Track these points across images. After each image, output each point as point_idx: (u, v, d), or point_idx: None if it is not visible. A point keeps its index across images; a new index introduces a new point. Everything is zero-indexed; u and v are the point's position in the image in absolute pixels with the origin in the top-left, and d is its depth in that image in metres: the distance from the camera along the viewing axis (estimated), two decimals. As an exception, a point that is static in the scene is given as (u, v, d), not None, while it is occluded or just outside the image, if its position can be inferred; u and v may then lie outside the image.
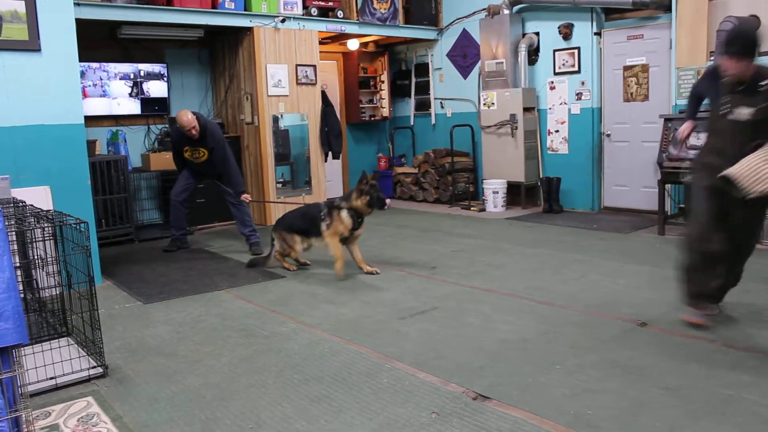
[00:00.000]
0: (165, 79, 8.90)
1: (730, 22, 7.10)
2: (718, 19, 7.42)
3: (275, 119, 8.97)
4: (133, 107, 8.71)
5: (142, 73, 8.71)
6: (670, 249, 6.67)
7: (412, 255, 6.66)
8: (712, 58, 7.35)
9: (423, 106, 11.54)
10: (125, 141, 8.47)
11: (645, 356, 3.73)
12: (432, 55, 11.26)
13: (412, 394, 3.32)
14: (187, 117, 6.72)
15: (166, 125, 8.97)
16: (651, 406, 3.09)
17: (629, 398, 3.19)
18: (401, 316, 4.62)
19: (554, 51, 9.41)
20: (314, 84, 9.30)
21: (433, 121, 11.34)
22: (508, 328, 4.31)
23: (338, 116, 10.35)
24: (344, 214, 5.78)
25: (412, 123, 11.77)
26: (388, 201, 5.89)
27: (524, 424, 2.94)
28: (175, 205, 7.25)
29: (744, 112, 3.95)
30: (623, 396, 3.21)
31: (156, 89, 8.85)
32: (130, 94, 8.64)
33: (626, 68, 8.77)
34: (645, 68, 8.60)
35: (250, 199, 7.31)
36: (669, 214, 7.65)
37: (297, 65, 9.04)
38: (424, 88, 11.51)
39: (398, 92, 11.94)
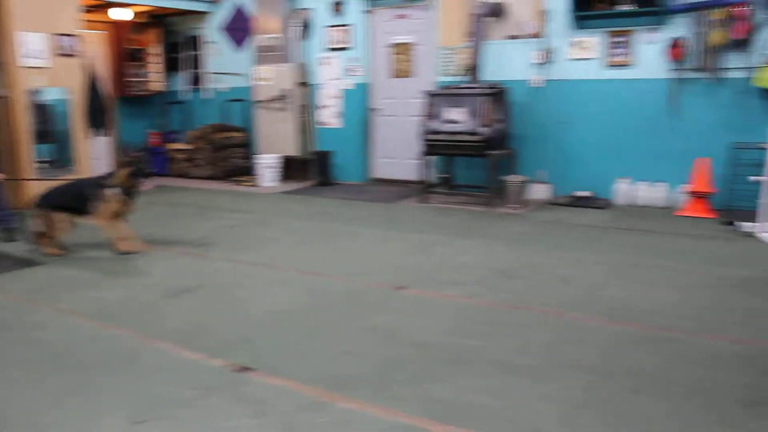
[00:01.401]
0: None
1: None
2: (474, 3, 7.99)
3: (33, 92, 8.24)
4: None
5: None
6: (431, 216, 7.17)
7: (183, 233, 6.52)
8: (471, 39, 7.90)
9: (197, 80, 11.23)
10: None
11: (401, 318, 3.99)
12: (205, 28, 10.96)
13: (175, 372, 3.28)
14: None
15: None
16: (403, 363, 3.33)
17: (384, 357, 3.40)
18: (167, 296, 4.52)
19: (326, 27, 9.58)
20: (77, 55, 8.66)
21: (208, 96, 11.09)
22: (275, 300, 4.39)
23: (106, 90, 9.74)
24: (112, 191, 5.50)
25: (186, 98, 11.41)
26: (149, 172, 5.67)
27: (285, 390, 3.04)
28: None
29: None
30: (379, 356, 3.43)
31: None
32: None
33: (394, 45, 9.17)
34: (411, 46, 9.04)
35: (4, 177, 6.69)
36: (431, 183, 8.18)
37: (56, 34, 8.35)
38: (198, 62, 11.19)
39: (172, 66, 11.49)
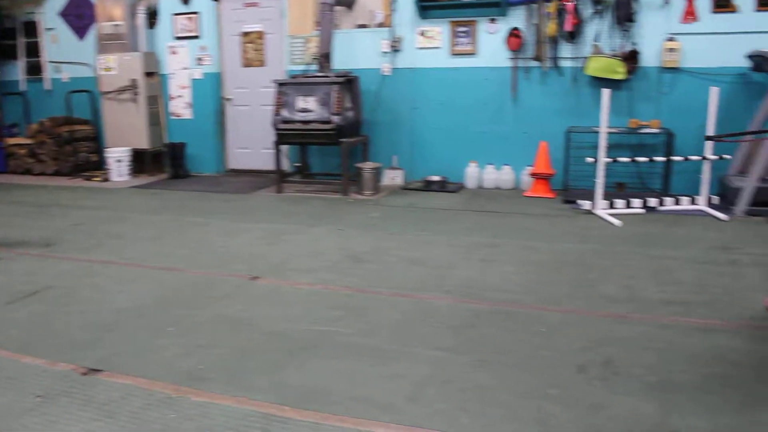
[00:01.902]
0: None
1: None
2: (318, -9, 8.05)
3: None
4: None
5: None
6: (286, 206, 7.21)
7: (25, 233, 6.17)
8: (321, 28, 7.95)
9: (35, 69, 10.56)
10: None
11: (255, 308, 4.03)
12: (43, 13, 10.31)
13: (15, 380, 3.15)
14: None
15: None
16: (256, 352, 3.38)
17: (238, 348, 3.43)
18: (8, 302, 4.30)
19: (173, 15, 9.31)
20: None
21: (48, 87, 10.47)
22: (125, 297, 4.28)
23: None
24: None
25: (23, 88, 10.71)
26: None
27: (135, 389, 3.00)
28: None
29: None
30: (233, 347, 3.45)
31: None
32: None
33: (244, 34, 9.06)
34: (261, 35, 8.98)
35: None
36: (286, 173, 8.21)
37: None
38: (36, 50, 10.52)
39: (6, 54, 10.72)
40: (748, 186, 6.46)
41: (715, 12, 7.13)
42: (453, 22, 7.97)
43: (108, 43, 9.36)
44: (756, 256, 5.15)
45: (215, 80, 9.29)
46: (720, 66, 7.14)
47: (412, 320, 3.81)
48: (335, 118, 7.47)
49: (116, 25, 9.26)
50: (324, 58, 7.90)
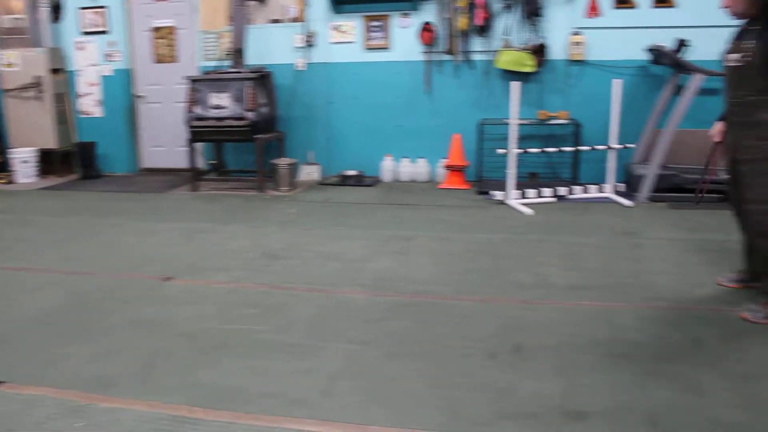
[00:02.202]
0: None
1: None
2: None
3: None
4: None
5: None
6: (201, 204, 7.11)
7: None
8: (234, 23, 7.85)
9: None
10: None
11: (168, 309, 3.97)
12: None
13: None
14: None
15: None
16: (169, 354, 3.33)
17: (150, 351, 3.38)
18: None
19: (80, 9, 9.00)
20: None
21: (-55, 85, 9.95)
22: (33, 305, 4.13)
23: None
24: None
25: None
26: None
27: (40, 400, 2.91)
28: None
29: (732, 57, 3.58)
30: (144, 350, 3.39)
31: None
32: None
33: (155, 30, 8.85)
34: (172, 30, 8.79)
35: None
36: (201, 171, 8.09)
37: None
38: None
39: None
40: (650, 173, 6.76)
41: (616, 8, 7.43)
42: (366, 16, 8.01)
43: (8, 38, 8.97)
44: (657, 240, 5.41)
45: (126, 77, 9.04)
46: (623, 59, 7.44)
47: (328, 315, 3.83)
48: (249, 115, 7.39)
49: (16, 18, 8.88)
50: (237, 54, 7.81)
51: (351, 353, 3.31)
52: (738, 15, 3.49)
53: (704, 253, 5.00)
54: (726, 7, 3.50)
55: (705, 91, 7.07)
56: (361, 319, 3.77)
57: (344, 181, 7.91)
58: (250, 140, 7.49)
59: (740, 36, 3.54)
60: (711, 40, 7.18)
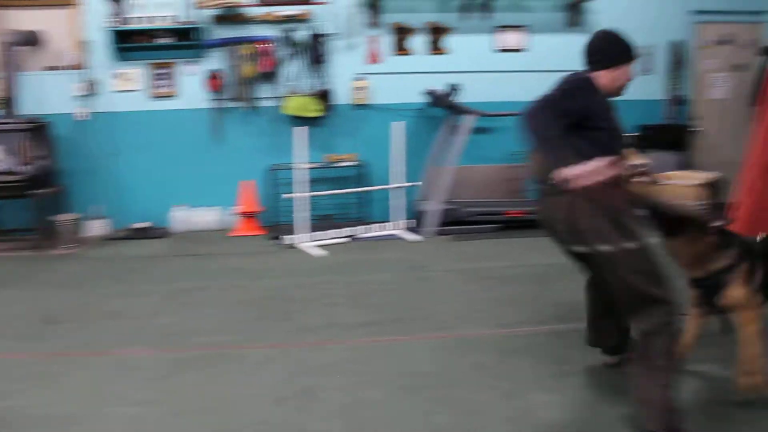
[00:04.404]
0: None
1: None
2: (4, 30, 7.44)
3: None
4: None
5: None
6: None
7: None
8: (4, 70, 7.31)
9: None
10: None
11: None
12: None
13: None
14: None
15: None
16: None
17: None
18: None
19: None
20: None
21: None
22: None
23: None
24: None
25: None
26: None
27: None
28: None
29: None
30: None
31: None
32: None
33: None
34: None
35: None
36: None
37: None
38: None
39: None
40: (434, 209, 7.19)
41: (395, 54, 7.90)
42: (152, 64, 7.82)
43: None
44: (442, 272, 5.77)
45: None
46: (403, 102, 7.90)
47: (107, 379, 3.64)
48: (24, 169, 6.90)
49: None
50: (8, 103, 7.29)
51: (131, 417, 3.18)
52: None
53: (484, 281, 5.41)
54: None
55: (478, 130, 7.70)
56: (145, 378, 3.63)
57: (134, 234, 7.56)
58: (25, 197, 6.97)
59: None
60: (479, 84, 7.90)
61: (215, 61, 7.81)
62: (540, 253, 6.18)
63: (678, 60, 8.28)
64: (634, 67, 3.19)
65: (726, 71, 8.53)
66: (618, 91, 3.15)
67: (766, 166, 5.17)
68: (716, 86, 8.51)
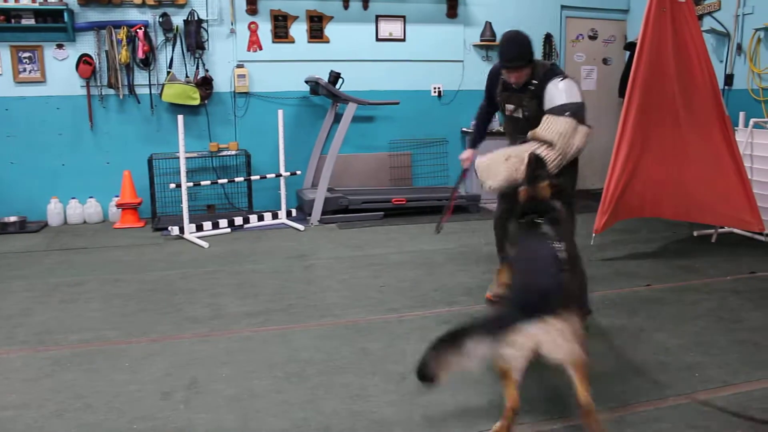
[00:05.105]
0: None
1: None
2: None
3: None
4: None
5: None
6: None
7: None
8: None
9: None
10: None
11: None
12: None
13: None
14: None
15: None
16: None
17: None
18: None
19: None
20: None
21: None
22: None
23: None
24: None
25: None
26: None
27: None
28: None
29: (510, 108, 4.16)
30: None
31: None
32: None
33: None
34: None
35: None
36: None
37: None
38: None
39: None
40: (318, 197, 7.21)
41: (275, 42, 7.83)
42: (14, 46, 7.35)
43: None
44: (327, 260, 5.80)
45: None
46: (285, 90, 7.86)
47: (-22, 381, 3.46)
48: None
49: None
50: None
51: (6, 420, 3.03)
52: (520, 84, 4.04)
53: (371, 268, 5.50)
54: (515, 82, 4.02)
55: (361, 119, 7.78)
56: (19, 379, 3.46)
57: (4, 228, 7.13)
58: None
59: (517, 91, 4.09)
60: (361, 72, 7.98)
61: (86, 45, 7.44)
62: (424, 240, 6.40)
63: (550, 52, 8.68)
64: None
65: (594, 64, 9.06)
66: None
67: (630, 155, 5.56)
68: (585, 78, 9.00)
